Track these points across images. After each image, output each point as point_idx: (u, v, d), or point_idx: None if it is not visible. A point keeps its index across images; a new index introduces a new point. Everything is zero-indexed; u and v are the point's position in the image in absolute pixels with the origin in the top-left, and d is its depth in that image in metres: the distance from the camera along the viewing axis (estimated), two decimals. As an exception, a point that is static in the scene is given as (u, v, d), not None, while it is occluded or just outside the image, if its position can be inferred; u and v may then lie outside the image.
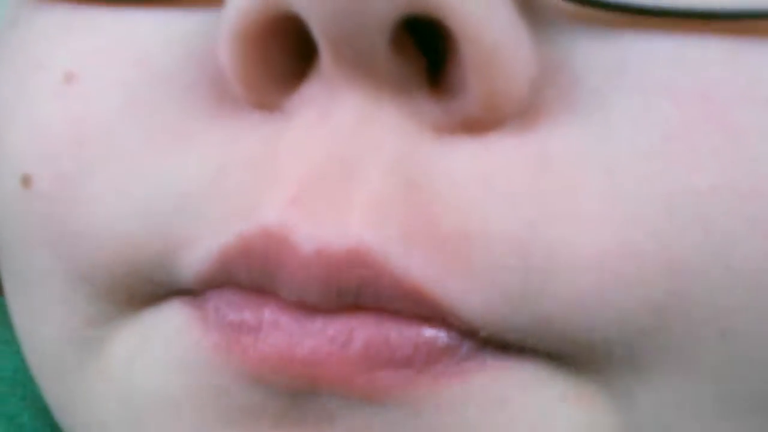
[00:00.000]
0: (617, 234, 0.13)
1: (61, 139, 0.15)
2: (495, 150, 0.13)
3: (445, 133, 0.13)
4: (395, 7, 0.12)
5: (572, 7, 0.13)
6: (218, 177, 0.13)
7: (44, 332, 0.16)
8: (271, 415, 0.13)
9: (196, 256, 0.14)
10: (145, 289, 0.15)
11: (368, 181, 0.13)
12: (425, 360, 0.13)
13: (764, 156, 0.13)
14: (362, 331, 0.13)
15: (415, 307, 0.13)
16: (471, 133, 0.13)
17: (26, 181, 0.15)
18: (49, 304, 0.16)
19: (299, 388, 0.13)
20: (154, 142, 0.14)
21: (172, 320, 0.14)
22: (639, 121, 0.13)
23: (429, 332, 0.13)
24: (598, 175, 0.13)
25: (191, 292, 0.14)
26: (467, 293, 0.13)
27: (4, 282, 0.18)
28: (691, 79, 0.13)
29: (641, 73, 0.13)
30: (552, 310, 0.13)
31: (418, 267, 0.13)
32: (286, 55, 0.13)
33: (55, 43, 0.15)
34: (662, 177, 0.13)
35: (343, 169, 0.13)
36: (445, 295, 0.13)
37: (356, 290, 0.13)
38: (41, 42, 0.15)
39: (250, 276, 0.13)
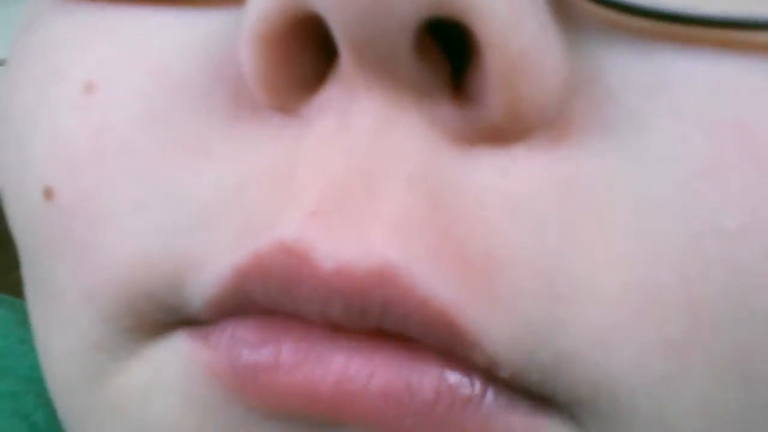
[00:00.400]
0: (640, 270, 0.12)
1: (81, 152, 0.14)
2: (521, 167, 0.12)
3: (467, 143, 0.12)
4: (418, 9, 0.11)
5: (608, 14, 0.12)
6: (235, 192, 0.13)
7: (54, 347, 0.16)
8: None
9: (210, 276, 0.13)
10: (154, 315, 0.14)
11: (390, 195, 0.12)
12: (448, 407, 0.12)
13: None
14: (384, 372, 0.12)
15: (440, 333, 0.12)
16: (495, 143, 0.12)
17: (48, 193, 0.15)
18: (60, 320, 0.16)
19: (320, 421, 0.13)
20: (172, 156, 0.14)
21: (182, 356, 0.14)
22: (672, 152, 0.12)
23: (453, 377, 0.12)
24: (627, 206, 0.12)
25: (200, 321, 0.14)
26: (493, 322, 0.12)
27: (25, 287, 0.18)
28: (728, 109, 0.12)
29: (679, 98, 0.12)
30: (574, 345, 0.12)
31: (445, 289, 0.12)
32: (307, 58, 0.13)
33: (75, 51, 0.15)
34: (690, 214, 0.12)
35: (363, 182, 0.12)
36: (471, 323, 0.12)
37: (380, 310, 0.12)
38: (60, 49, 0.15)
39: (267, 296, 0.13)
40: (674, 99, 0.12)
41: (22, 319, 0.23)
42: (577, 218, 0.12)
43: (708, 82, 0.12)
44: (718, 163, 0.12)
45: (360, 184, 0.12)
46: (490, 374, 0.12)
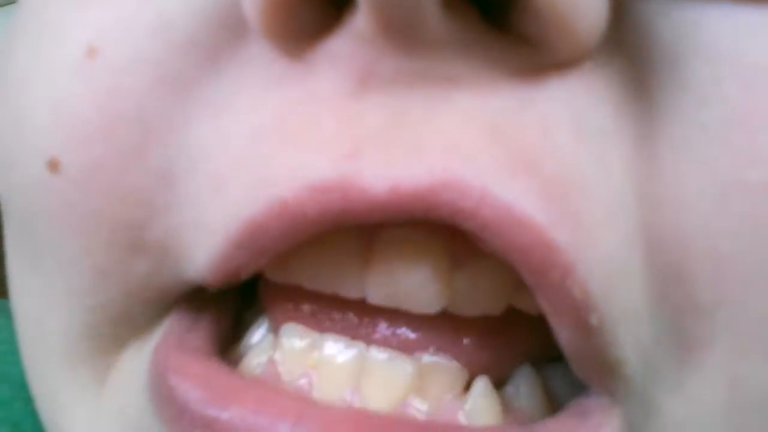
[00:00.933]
0: (672, 216, 0.12)
1: (90, 120, 0.14)
2: (586, 92, 0.12)
3: (530, 75, 0.12)
4: None
5: None
6: (250, 145, 0.13)
7: (56, 319, 0.16)
8: None
9: (214, 237, 0.13)
10: (165, 285, 0.14)
11: (445, 130, 0.11)
12: None
13: None
14: None
15: (528, 252, 0.11)
16: (561, 70, 0.12)
17: (53, 165, 0.14)
18: (70, 296, 0.15)
19: None
20: (186, 118, 0.13)
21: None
22: (707, 96, 0.12)
23: None
24: (667, 144, 0.12)
25: (203, 291, 0.14)
26: (580, 246, 0.12)
27: (13, 261, 0.17)
28: (760, 54, 0.12)
29: (713, 38, 0.12)
30: (607, 284, 0.12)
31: (530, 202, 0.11)
32: (311, 6, 0.12)
33: (73, 12, 0.14)
34: (720, 164, 0.12)
35: (408, 126, 0.12)
36: (568, 246, 0.11)
37: (450, 218, 0.11)
38: (57, 8, 0.15)
39: (286, 243, 0.12)
40: (709, 39, 0.12)
41: (10, 326, 0.22)
42: (631, 150, 0.12)
43: (745, 24, 0.12)
44: (748, 114, 0.12)
45: (403, 127, 0.12)
46: (580, 321, 0.12)
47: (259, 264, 0.13)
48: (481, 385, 0.14)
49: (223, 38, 0.13)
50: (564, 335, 0.12)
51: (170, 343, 0.14)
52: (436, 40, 0.12)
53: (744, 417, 0.12)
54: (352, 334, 0.14)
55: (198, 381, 0.13)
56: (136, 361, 0.15)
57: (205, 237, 0.13)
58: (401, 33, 0.11)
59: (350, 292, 0.14)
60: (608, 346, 0.12)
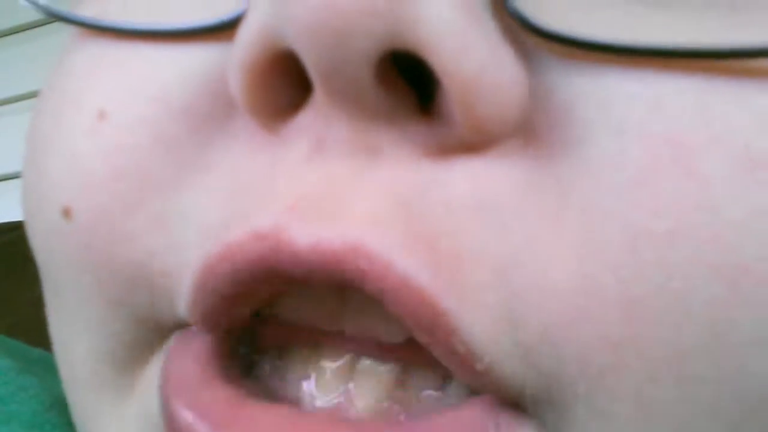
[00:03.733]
0: (582, 271, 0.13)
1: (98, 173, 0.16)
2: (490, 171, 0.13)
3: (439, 155, 0.14)
4: (375, 44, 0.13)
5: (559, 46, 0.13)
6: (225, 200, 0.15)
7: (81, 348, 0.17)
8: None
9: (189, 276, 0.15)
10: (169, 318, 0.16)
11: (364, 199, 0.13)
12: None
13: (727, 203, 0.13)
14: None
15: (421, 315, 0.13)
16: (465, 153, 0.14)
17: (66, 212, 0.16)
18: (88, 327, 0.17)
19: None
20: (177, 174, 0.15)
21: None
22: (614, 161, 0.13)
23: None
24: (576, 207, 0.13)
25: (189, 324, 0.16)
26: (464, 310, 0.13)
27: (46, 301, 0.19)
28: (664, 125, 0.13)
29: (622, 113, 0.13)
30: (528, 340, 0.13)
31: (422, 274, 0.13)
32: (288, 85, 0.14)
33: (87, 81, 0.17)
34: (627, 218, 0.13)
35: (338, 189, 0.13)
36: (450, 308, 0.13)
37: (359, 282, 0.13)
38: (75, 80, 0.17)
39: (236, 284, 0.14)
40: (618, 115, 0.13)
41: (21, 368, 0.23)
42: (535, 221, 0.13)
43: (646, 100, 0.13)
44: (653, 172, 0.13)
45: (335, 190, 0.13)
46: (467, 368, 0.13)
47: (232, 310, 0.15)
48: (366, 364, 0.16)
49: (214, 109, 0.15)
50: (457, 375, 0.14)
51: (173, 363, 0.16)
52: (371, 112, 0.13)
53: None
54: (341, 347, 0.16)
55: (196, 411, 0.14)
56: (155, 374, 0.16)
57: (185, 280, 0.15)
58: (344, 103, 0.13)
59: (331, 326, 0.15)
60: (502, 380, 0.14)
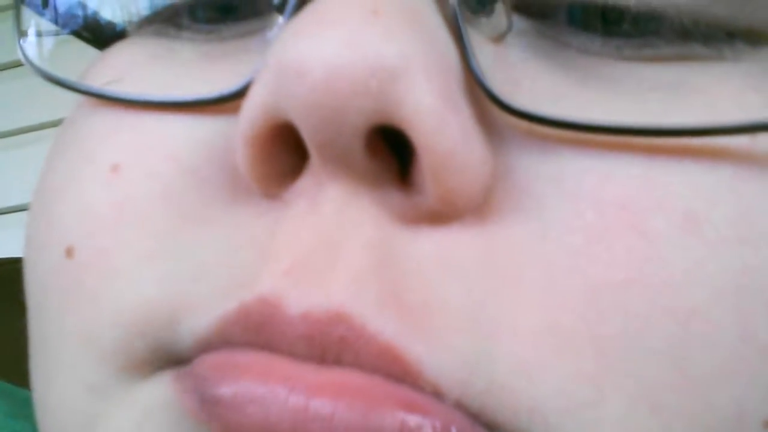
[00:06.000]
0: (551, 316, 0.14)
1: (104, 218, 0.17)
2: (453, 239, 0.15)
3: (412, 221, 0.15)
4: (366, 120, 0.14)
5: (521, 123, 0.15)
6: (227, 254, 0.16)
7: (52, 397, 0.18)
8: None
9: (201, 320, 0.15)
10: (147, 355, 0.16)
11: (348, 258, 0.15)
12: None
13: (673, 255, 0.14)
14: (344, 412, 0.14)
15: (389, 364, 0.14)
16: (433, 223, 0.15)
17: (69, 251, 0.17)
18: (61, 367, 0.17)
19: None
20: (179, 225, 0.16)
21: (167, 394, 0.16)
22: (570, 225, 0.15)
23: (412, 420, 0.14)
24: (535, 266, 0.15)
25: (184, 360, 0.16)
26: (431, 354, 0.14)
27: (30, 346, 0.19)
28: (614, 191, 0.15)
29: (575, 185, 0.15)
30: (503, 375, 0.14)
31: (390, 329, 0.14)
32: (289, 155, 0.15)
33: (104, 139, 0.18)
34: (586, 271, 0.14)
35: (328, 249, 0.15)
36: (413, 354, 0.14)
37: (338, 346, 0.14)
38: (91, 137, 0.18)
39: (244, 337, 0.15)
40: (571, 186, 0.15)
41: (10, 411, 0.23)
42: (496, 277, 0.15)
43: (598, 172, 0.15)
44: (606, 232, 0.15)
45: (325, 250, 0.15)
46: (441, 403, 0.14)
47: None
48: None
49: (221, 172, 0.16)
50: (431, 414, 0.15)
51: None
52: (359, 177, 0.15)
53: None
54: None
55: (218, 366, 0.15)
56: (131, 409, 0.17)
57: (191, 327, 0.16)
58: (336, 169, 0.15)
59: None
60: (474, 415, 0.14)
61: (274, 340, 0.15)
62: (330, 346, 0.14)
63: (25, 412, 0.23)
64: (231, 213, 0.16)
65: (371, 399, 0.14)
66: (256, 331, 0.15)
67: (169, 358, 0.16)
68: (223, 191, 0.16)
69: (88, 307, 0.17)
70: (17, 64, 1.06)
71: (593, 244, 0.15)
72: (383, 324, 0.14)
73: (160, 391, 0.16)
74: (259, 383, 0.14)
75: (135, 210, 0.17)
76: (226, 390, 0.14)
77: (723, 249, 0.15)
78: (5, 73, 1.09)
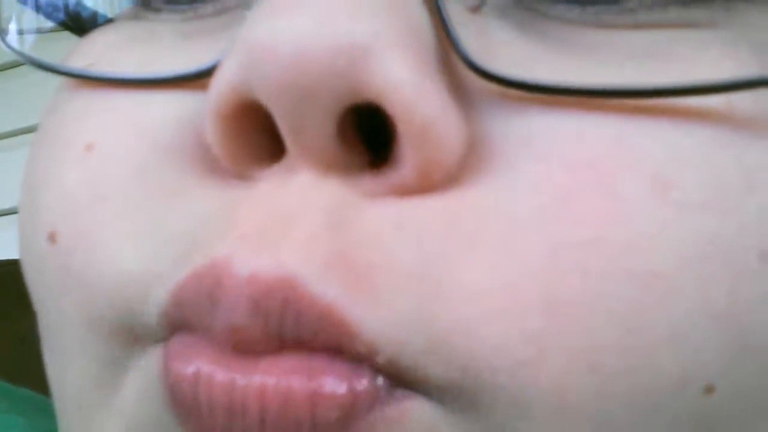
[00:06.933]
0: (501, 273, 0.14)
1: (81, 199, 0.17)
2: (416, 204, 0.15)
3: (378, 196, 0.15)
4: (337, 100, 0.14)
5: (494, 87, 0.15)
6: (194, 226, 0.16)
7: (68, 379, 0.18)
8: None
9: (160, 291, 0.16)
10: (140, 329, 0.16)
11: (302, 225, 0.15)
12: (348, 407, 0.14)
13: (639, 217, 0.14)
14: (291, 382, 0.14)
15: (328, 328, 0.14)
16: (401, 195, 0.15)
17: (52, 237, 0.17)
18: (70, 349, 0.18)
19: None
20: (154, 200, 0.16)
21: (151, 370, 0.16)
22: (538, 185, 0.15)
23: (360, 384, 0.14)
24: (497, 228, 0.14)
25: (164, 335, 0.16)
26: (370, 315, 0.14)
27: (41, 335, 0.19)
28: (585, 151, 0.15)
29: (544, 145, 0.15)
30: (442, 334, 0.14)
31: (330, 291, 0.14)
32: (269, 140, 0.15)
33: (79, 120, 0.18)
34: (548, 230, 0.14)
35: (286, 220, 0.15)
36: (352, 317, 0.14)
37: (280, 313, 0.14)
38: (68, 121, 0.18)
39: (196, 303, 0.15)
40: (542, 147, 0.15)
41: (8, 407, 0.23)
42: (452, 237, 0.14)
43: (569, 133, 0.15)
44: (576, 190, 0.14)
45: (282, 220, 0.15)
46: (370, 365, 0.14)
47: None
48: None
49: (195, 149, 0.16)
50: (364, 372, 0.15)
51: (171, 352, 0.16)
52: (330, 162, 0.15)
53: (565, 426, 0.14)
54: None
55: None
56: (135, 383, 0.17)
57: (156, 299, 0.16)
58: (308, 154, 0.15)
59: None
60: (407, 372, 0.14)
61: (220, 306, 0.14)
62: (273, 310, 0.14)
63: (20, 409, 0.23)
64: (204, 186, 0.16)
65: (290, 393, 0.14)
66: (206, 296, 0.15)
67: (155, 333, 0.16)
68: (198, 167, 0.16)
69: (80, 290, 0.17)
70: (17, 64, 1.06)
71: (558, 203, 0.14)
72: (326, 287, 0.14)
73: (150, 369, 0.16)
74: (217, 364, 0.14)
75: (109, 188, 0.17)
76: (189, 368, 0.15)
77: (691, 214, 0.14)
78: (5, 73, 1.09)
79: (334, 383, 0.14)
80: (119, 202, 0.16)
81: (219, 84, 0.15)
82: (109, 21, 0.21)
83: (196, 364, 0.15)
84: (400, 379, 0.14)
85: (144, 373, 0.16)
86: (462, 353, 0.14)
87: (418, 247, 0.14)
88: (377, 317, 0.14)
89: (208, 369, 0.14)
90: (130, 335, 0.16)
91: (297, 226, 0.15)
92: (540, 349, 0.14)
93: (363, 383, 0.14)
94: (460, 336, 0.14)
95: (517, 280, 0.14)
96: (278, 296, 0.14)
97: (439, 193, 0.15)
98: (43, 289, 0.18)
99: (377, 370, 0.14)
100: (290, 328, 0.14)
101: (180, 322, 0.15)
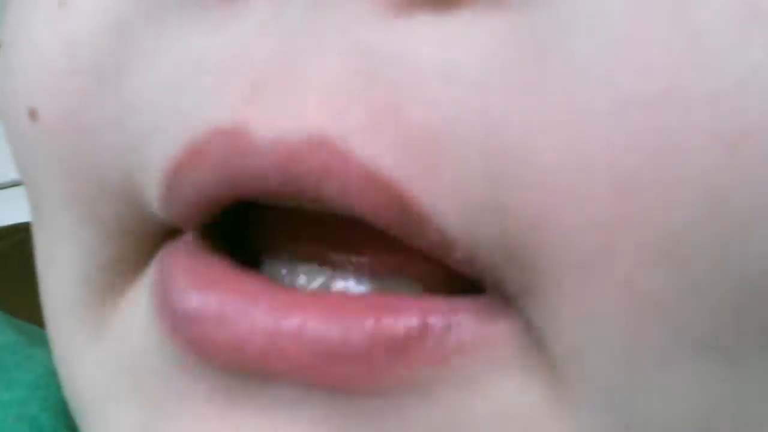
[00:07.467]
0: (569, 142, 0.12)
1: (57, 67, 0.15)
2: (460, 33, 0.12)
3: (405, 12, 0.12)
4: None
5: None
6: (184, 82, 0.14)
7: (57, 272, 0.17)
8: (223, 397, 0.13)
9: (151, 177, 0.14)
10: (144, 227, 0.15)
11: (324, 68, 0.12)
12: (385, 354, 0.12)
13: (725, 59, 0.11)
14: (316, 325, 0.13)
15: (389, 207, 0.12)
16: (435, 10, 0.12)
17: (33, 114, 0.15)
18: (62, 241, 0.16)
19: (253, 373, 0.13)
20: (132, 65, 0.14)
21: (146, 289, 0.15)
22: (599, 16, 0.12)
23: (386, 322, 0.12)
24: (556, 74, 0.12)
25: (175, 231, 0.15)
26: (442, 198, 0.12)
27: (33, 232, 0.18)
28: None
29: None
30: (515, 226, 0.12)
31: (389, 160, 0.12)
32: None
33: None
34: (615, 82, 0.12)
35: (296, 59, 0.12)
36: (423, 197, 0.12)
37: (317, 182, 0.12)
38: None
39: (206, 185, 0.13)
40: None
41: (28, 341, 0.25)
42: (513, 89, 0.12)
43: None
44: (640, 27, 0.11)
45: (293, 61, 0.12)
46: (439, 264, 0.12)
47: (205, 212, 0.14)
48: (341, 285, 0.15)
49: None
50: (449, 261, 0.13)
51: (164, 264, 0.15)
52: None
53: (641, 327, 0.12)
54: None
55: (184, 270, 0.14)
56: (132, 305, 0.16)
57: (150, 179, 0.14)
58: None
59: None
60: (482, 272, 0.13)
61: (239, 178, 0.13)
62: (308, 177, 0.12)
63: (38, 343, 0.24)
64: (182, 34, 0.14)
65: (344, 311, 0.13)
66: (219, 173, 0.13)
67: (164, 229, 0.15)
68: (175, 10, 0.14)
69: (72, 178, 0.15)
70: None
71: (625, 43, 0.11)
72: (376, 153, 0.12)
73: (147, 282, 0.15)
74: (227, 300, 0.13)
75: (83, 53, 0.15)
76: (196, 304, 0.13)
77: None
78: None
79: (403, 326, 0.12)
80: (95, 70, 0.15)
81: None
82: None
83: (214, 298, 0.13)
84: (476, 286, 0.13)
85: (146, 291, 0.15)
86: (534, 250, 0.12)
87: (479, 107, 0.12)
88: (450, 202, 0.12)
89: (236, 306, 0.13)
90: (129, 238, 0.15)
91: (316, 68, 0.12)
92: (609, 239, 0.12)
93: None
94: (532, 230, 0.12)
95: (586, 149, 0.12)
96: (314, 160, 0.12)
97: (482, 14, 0.12)
98: (26, 167, 0.17)
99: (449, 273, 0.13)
100: (334, 196, 0.12)
101: (182, 208, 0.14)
